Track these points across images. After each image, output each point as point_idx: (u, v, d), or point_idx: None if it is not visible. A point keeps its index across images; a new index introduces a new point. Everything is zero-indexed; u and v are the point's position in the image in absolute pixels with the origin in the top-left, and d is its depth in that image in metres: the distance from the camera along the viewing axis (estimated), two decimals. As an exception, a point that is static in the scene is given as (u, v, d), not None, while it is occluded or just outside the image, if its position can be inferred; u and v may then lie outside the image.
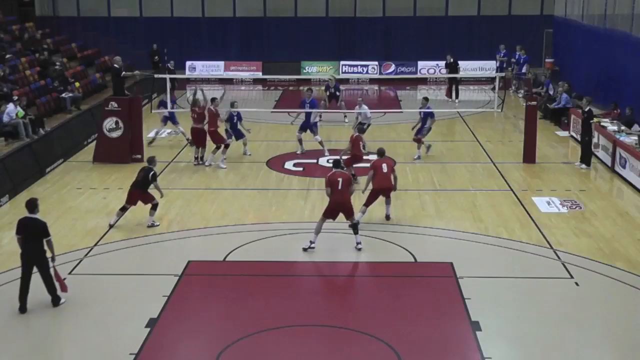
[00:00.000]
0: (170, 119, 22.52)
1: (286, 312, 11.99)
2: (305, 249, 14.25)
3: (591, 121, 19.94)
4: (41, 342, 11.40)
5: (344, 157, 17.87)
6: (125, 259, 14.17)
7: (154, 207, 15.68)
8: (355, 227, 14.42)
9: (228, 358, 10.54)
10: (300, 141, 21.47)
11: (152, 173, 15.59)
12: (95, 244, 14.73)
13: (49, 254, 11.82)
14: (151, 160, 15.95)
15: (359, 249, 14.32)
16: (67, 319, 11.72)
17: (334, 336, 11.19)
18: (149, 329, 11.23)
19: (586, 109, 20.13)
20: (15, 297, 11.80)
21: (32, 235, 11.77)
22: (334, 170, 14.49)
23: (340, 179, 14.21)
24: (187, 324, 11.54)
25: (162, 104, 22.74)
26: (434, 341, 11.06)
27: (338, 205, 14.24)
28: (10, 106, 20.65)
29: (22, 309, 11.77)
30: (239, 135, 21.03)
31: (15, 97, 21.39)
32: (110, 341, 10.99)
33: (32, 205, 11.96)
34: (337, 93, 24.95)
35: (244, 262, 14.01)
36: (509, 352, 10.89)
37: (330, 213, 14.35)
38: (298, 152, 21.51)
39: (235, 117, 20.76)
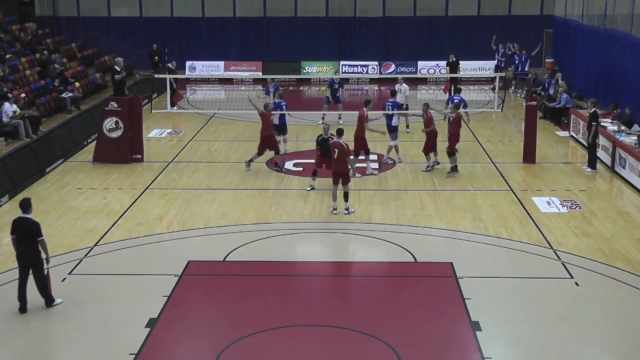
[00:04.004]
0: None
1: (286, 312, 11.99)
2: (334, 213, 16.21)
3: (593, 123, 19.51)
4: (41, 342, 11.41)
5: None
6: (125, 259, 14.15)
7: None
8: (346, 195, 16.24)
9: (228, 358, 10.54)
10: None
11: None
12: (95, 244, 14.72)
13: (44, 255, 11.76)
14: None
15: (348, 213, 16.15)
16: (67, 319, 11.71)
17: (334, 336, 11.19)
18: (149, 329, 11.23)
19: (591, 111, 19.84)
20: (15, 297, 11.80)
21: (26, 236, 11.72)
22: (334, 139, 16.25)
23: (337, 150, 15.93)
24: (187, 324, 11.53)
25: (267, 92, 24.06)
26: (434, 341, 11.05)
27: (336, 172, 16.11)
28: (6, 105, 20.63)
29: (22, 309, 11.77)
30: (284, 130, 21.02)
31: (10, 95, 21.28)
32: (110, 341, 10.99)
33: (25, 205, 11.91)
34: (338, 94, 24.89)
35: (244, 262, 14.01)
36: (509, 352, 10.88)
37: (334, 178, 16.21)
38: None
39: (284, 107, 20.90)
